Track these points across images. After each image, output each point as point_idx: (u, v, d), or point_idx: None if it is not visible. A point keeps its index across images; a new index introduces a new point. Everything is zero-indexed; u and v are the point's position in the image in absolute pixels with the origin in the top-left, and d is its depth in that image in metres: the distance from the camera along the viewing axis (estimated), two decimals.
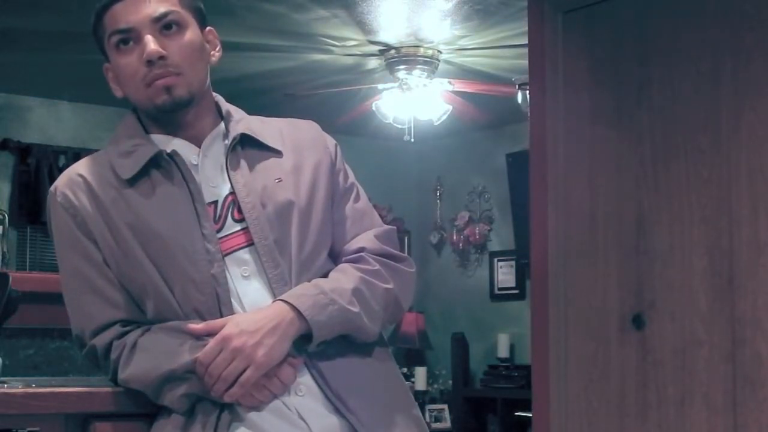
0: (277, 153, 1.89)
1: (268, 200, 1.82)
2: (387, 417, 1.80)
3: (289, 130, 1.95)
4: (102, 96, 6.72)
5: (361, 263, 1.87)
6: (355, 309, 1.79)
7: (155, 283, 1.77)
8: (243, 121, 1.90)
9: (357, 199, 1.96)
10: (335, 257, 1.90)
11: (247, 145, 1.87)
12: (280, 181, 1.85)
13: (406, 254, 1.96)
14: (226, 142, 1.86)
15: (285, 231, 1.81)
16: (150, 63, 1.78)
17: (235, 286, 1.78)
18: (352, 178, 1.98)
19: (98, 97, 6.80)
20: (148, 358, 1.75)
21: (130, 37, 1.80)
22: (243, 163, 1.85)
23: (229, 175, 1.83)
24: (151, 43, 1.78)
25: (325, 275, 1.84)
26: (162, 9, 1.80)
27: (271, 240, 1.79)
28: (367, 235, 1.92)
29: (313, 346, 1.76)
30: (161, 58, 1.78)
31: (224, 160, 1.85)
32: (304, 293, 1.77)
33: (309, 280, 1.80)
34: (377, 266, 1.87)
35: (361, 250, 1.89)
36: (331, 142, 1.98)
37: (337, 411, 1.75)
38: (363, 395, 1.78)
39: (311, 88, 6.55)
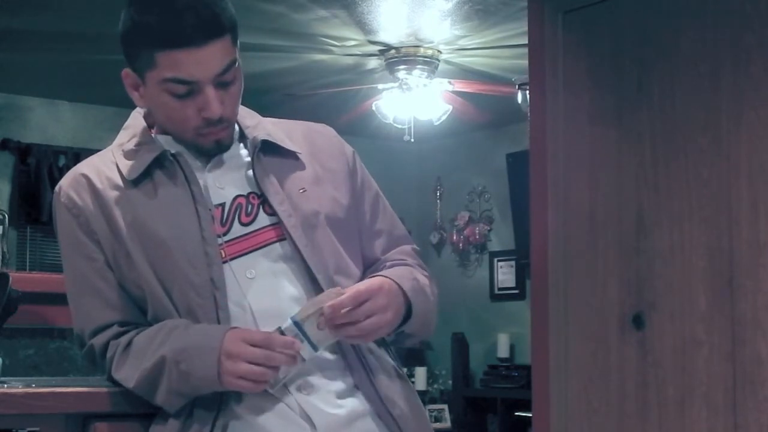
0: (297, 159, 1.88)
1: (294, 209, 1.81)
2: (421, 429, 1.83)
3: (305, 135, 1.94)
4: (102, 96, 6.76)
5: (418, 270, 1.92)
6: (435, 310, 1.91)
7: (151, 285, 1.77)
8: (260, 125, 1.89)
9: (385, 209, 1.99)
10: (366, 267, 1.91)
11: (268, 151, 1.86)
12: (304, 191, 1.84)
13: None
14: (242, 145, 1.86)
15: (314, 240, 1.80)
16: (209, 121, 1.76)
17: (242, 287, 1.77)
18: (375, 186, 1.99)
19: (98, 97, 6.80)
20: (136, 358, 1.75)
21: (190, 88, 1.73)
22: (268, 169, 1.84)
23: (257, 180, 1.82)
24: (215, 103, 1.74)
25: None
26: (226, 61, 1.74)
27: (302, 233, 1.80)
28: (407, 250, 1.97)
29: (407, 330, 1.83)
30: (220, 118, 1.77)
31: (243, 163, 1.84)
32: (404, 276, 1.83)
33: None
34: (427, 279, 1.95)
35: (405, 261, 1.93)
36: (348, 149, 1.97)
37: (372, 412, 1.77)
38: (406, 406, 1.81)
39: (311, 88, 6.55)
